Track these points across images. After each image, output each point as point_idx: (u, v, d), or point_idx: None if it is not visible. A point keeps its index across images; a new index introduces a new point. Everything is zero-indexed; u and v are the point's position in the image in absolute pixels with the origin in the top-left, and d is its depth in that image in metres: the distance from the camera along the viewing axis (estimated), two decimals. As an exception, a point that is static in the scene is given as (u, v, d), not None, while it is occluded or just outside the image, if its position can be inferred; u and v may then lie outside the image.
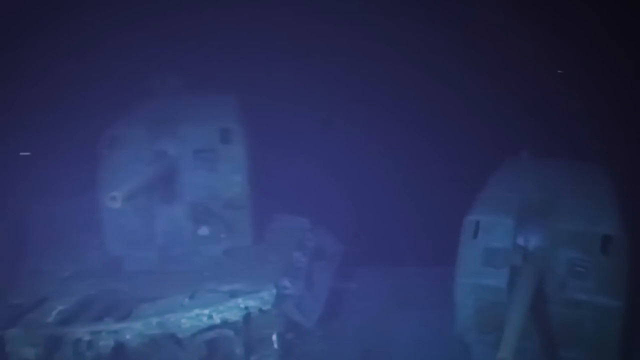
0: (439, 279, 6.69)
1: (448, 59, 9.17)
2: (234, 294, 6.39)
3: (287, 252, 7.40)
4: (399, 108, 9.66)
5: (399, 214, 9.49)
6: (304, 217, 8.40)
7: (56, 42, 9.23)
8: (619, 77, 8.71)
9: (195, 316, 6.18)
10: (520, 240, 6.29)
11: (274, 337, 6.57)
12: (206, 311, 6.19)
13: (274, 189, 8.46)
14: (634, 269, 6.06)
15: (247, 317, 6.37)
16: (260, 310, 6.39)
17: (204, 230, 7.35)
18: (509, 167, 7.53)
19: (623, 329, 5.85)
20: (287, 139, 9.39)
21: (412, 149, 9.70)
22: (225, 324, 6.27)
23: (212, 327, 6.25)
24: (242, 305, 6.30)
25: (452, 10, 8.95)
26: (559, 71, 8.77)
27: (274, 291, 6.46)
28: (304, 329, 7.00)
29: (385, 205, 9.60)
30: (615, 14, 8.42)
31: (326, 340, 7.25)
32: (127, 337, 6.00)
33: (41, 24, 9.13)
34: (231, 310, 6.27)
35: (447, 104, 9.32)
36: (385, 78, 9.52)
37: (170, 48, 9.03)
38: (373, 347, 7.06)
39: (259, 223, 7.72)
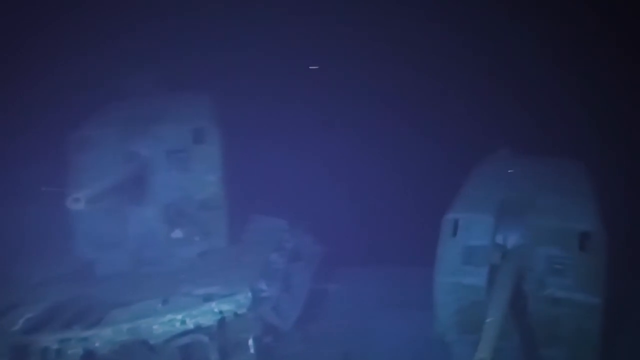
0: (421, 279, 6.60)
1: (426, 59, 9.10)
2: (208, 298, 6.22)
3: (264, 253, 7.25)
4: (378, 107, 9.58)
5: (380, 214, 9.40)
6: (283, 218, 8.26)
7: (27, 42, 9.00)
8: (596, 75, 8.72)
9: (167, 321, 6.00)
10: (499, 238, 6.24)
11: (250, 341, 6.41)
12: (179, 316, 6.02)
13: (252, 189, 8.34)
14: (612, 266, 6.05)
15: (222, 321, 6.21)
16: (236, 314, 6.23)
17: (177, 233, 7.19)
18: (488, 165, 7.50)
19: (602, 326, 5.81)
20: (265, 138, 9.25)
21: (392, 149, 9.63)
22: (199, 329, 6.10)
23: (185, 333, 6.08)
24: (216, 310, 6.13)
25: (428, 5, 8.88)
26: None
27: (250, 294, 6.31)
28: (282, 332, 6.86)
29: (366, 204, 9.50)
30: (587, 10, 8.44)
31: (305, 343, 7.12)
32: (97, 344, 5.81)
33: (12, 23, 8.88)
34: (205, 315, 6.10)
35: (426, 103, 9.25)
36: (364, 76, 9.42)
37: (144, 48, 8.83)
38: (353, 349, 6.94)
39: (235, 224, 7.56)
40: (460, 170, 7.26)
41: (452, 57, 9.01)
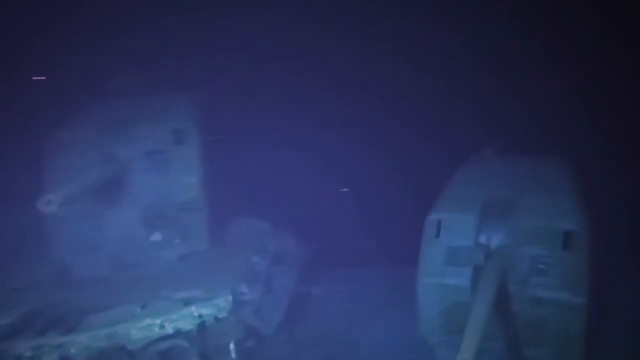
0: (405, 280, 6.54)
1: (407, 59, 9.06)
2: (188, 302, 6.10)
3: (246, 256, 7.14)
4: (362, 109, 9.52)
5: (364, 216, 9.33)
6: (266, 221, 8.15)
7: (2, 42, 8.81)
8: (578, 73, 8.73)
9: (146, 326, 5.87)
10: (483, 238, 6.19)
11: (232, 345, 6.30)
12: (158, 321, 5.89)
13: (234, 191, 8.23)
14: (596, 265, 6.03)
15: (202, 325, 6.09)
16: (216, 317, 6.11)
17: (157, 235, 7.05)
18: (471, 165, 7.47)
19: (587, 325, 5.78)
20: (248, 140, 9.14)
21: (376, 150, 9.57)
22: (178, 333, 5.98)
23: (164, 338, 5.95)
24: (196, 314, 6.01)
25: (409, 4, 8.85)
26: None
27: (230, 297, 6.19)
28: (264, 335, 6.75)
29: (350, 206, 9.43)
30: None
31: (288, 346, 7.03)
32: (73, 351, 5.65)
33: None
34: (184, 319, 5.97)
35: (409, 103, 9.21)
36: (347, 78, 9.36)
37: (123, 48, 8.70)
38: (337, 352, 6.86)
39: (216, 227, 7.45)
40: (444, 171, 7.21)
41: (433, 58, 8.97)
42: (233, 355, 6.32)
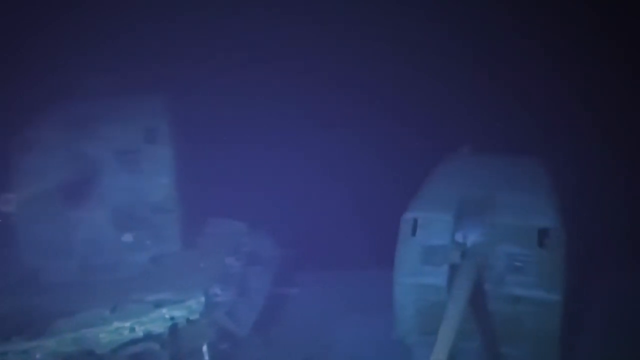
0: (384, 281, 6.47)
1: (386, 55, 9.01)
2: (159, 304, 5.96)
3: (220, 257, 7.02)
4: (339, 109, 9.44)
5: (342, 216, 9.24)
6: (241, 221, 8.02)
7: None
8: (555, 72, 8.76)
9: (115, 330, 5.74)
10: (459, 237, 6.15)
11: (205, 348, 6.17)
12: (127, 324, 5.77)
13: (208, 192, 8.09)
14: (572, 263, 6.02)
15: (174, 328, 5.98)
16: (188, 320, 6.00)
17: (128, 237, 6.88)
18: (448, 164, 7.44)
19: (563, 323, 5.76)
20: (224, 139, 9.02)
21: (352, 149, 9.49)
22: (149, 336, 5.85)
23: (135, 341, 5.82)
24: (167, 316, 5.90)
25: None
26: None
27: (203, 299, 6.08)
28: (239, 338, 6.63)
29: (328, 207, 9.33)
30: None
31: (264, 349, 6.92)
32: (38, 356, 5.50)
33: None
34: (155, 322, 5.86)
35: (387, 101, 9.15)
36: (324, 76, 9.28)
37: (96, 47, 8.52)
38: (314, 354, 6.76)
39: (190, 228, 7.30)
40: (423, 170, 7.16)
41: (415, 55, 8.93)
42: (206, 358, 6.19)
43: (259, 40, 9.11)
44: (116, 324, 5.75)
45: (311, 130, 9.45)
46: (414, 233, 6.20)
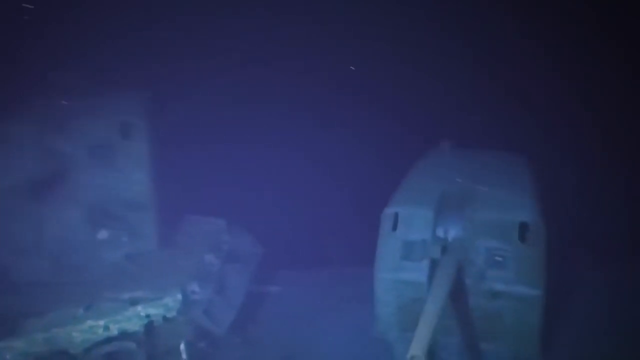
0: (363, 279, 6.42)
1: (366, 50, 8.94)
2: (134, 302, 5.83)
3: (198, 255, 6.90)
4: (318, 105, 9.36)
5: (324, 214, 9.17)
6: (221, 219, 7.90)
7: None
8: (537, 67, 8.78)
9: (88, 328, 5.60)
10: (440, 232, 6.12)
11: (182, 346, 6.03)
12: (101, 322, 5.63)
13: (187, 189, 7.96)
14: (553, 258, 6.02)
15: (150, 326, 5.85)
16: (164, 318, 5.88)
17: (102, 234, 6.72)
18: (429, 159, 7.41)
19: (543, 318, 5.75)
20: (204, 135, 8.87)
21: (333, 148, 9.42)
22: (124, 335, 5.71)
23: (109, 340, 5.68)
24: (142, 314, 5.77)
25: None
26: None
27: (180, 297, 5.96)
28: (217, 336, 6.50)
29: (309, 205, 9.24)
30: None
31: (244, 348, 6.79)
32: (8, 357, 5.33)
33: None
34: (130, 320, 5.73)
35: (367, 96, 9.09)
36: (302, 71, 9.18)
37: (70, 42, 8.31)
38: (294, 352, 6.65)
39: (167, 225, 7.17)
40: (404, 167, 7.12)
41: (397, 50, 8.89)
42: (184, 357, 6.05)
43: (239, 36, 8.99)
44: (90, 323, 5.62)
45: (293, 128, 9.36)
46: (394, 228, 6.16)
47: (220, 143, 8.96)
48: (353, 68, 8.71)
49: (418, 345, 4.56)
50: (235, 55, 8.92)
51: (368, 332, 6.38)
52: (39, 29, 7.86)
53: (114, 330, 5.67)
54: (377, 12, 8.91)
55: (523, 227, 5.87)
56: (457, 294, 5.81)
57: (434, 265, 5.83)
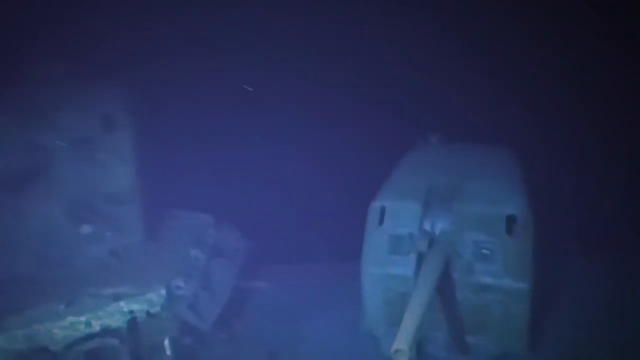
0: (351, 275, 6.36)
1: (348, 43, 8.86)
2: (117, 298, 5.72)
3: (183, 250, 6.79)
4: (304, 98, 9.27)
5: (311, 208, 9.08)
6: (207, 214, 7.80)
7: None
8: (522, 61, 8.75)
9: (69, 325, 5.48)
10: (427, 225, 6.08)
11: (167, 342, 5.93)
12: (83, 318, 5.51)
13: (172, 183, 7.85)
14: (541, 251, 5.99)
15: (133, 322, 5.74)
16: (148, 313, 5.77)
17: (85, 229, 6.59)
18: (416, 152, 7.37)
19: (530, 311, 5.72)
20: (192, 130, 8.76)
21: (322, 141, 9.34)
22: (107, 331, 5.60)
23: (91, 336, 5.56)
24: (125, 309, 5.66)
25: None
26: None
27: (164, 292, 5.86)
28: (203, 333, 6.41)
29: (296, 199, 9.15)
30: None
31: (230, 344, 6.72)
32: (-15, 355, 5.19)
33: None
34: (113, 316, 5.62)
35: (352, 90, 9.01)
36: (284, 65, 9.08)
37: (51, 32, 8.14)
38: (280, 349, 6.59)
39: (152, 220, 7.05)
40: (391, 161, 7.06)
41: (381, 42, 8.82)
42: (168, 353, 5.96)
43: (225, 29, 8.88)
44: (71, 319, 5.49)
45: (280, 122, 9.27)
46: (381, 222, 6.13)
47: (207, 137, 8.86)
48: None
49: (402, 339, 4.50)
50: (221, 48, 8.81)
51: (356, 327, 6.34)
52: (19, 19, 7.69)
53: (96, 327, 5.55)
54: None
55: (510, 220, 5.85)
56: (445, 287, 5.78)
57: (421, 259, 5.80)
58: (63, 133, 6.48)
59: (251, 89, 8.71)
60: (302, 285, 7.86)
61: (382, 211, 6.15)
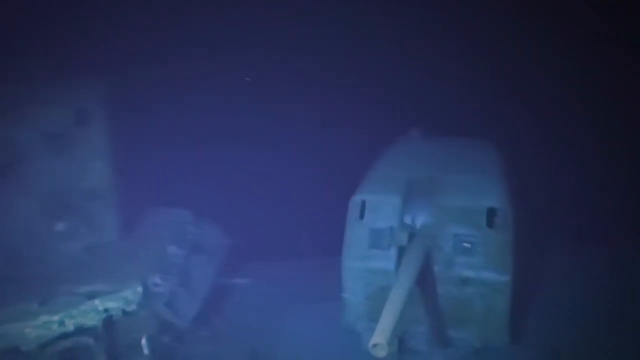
0: (336, 269, 6.28)
1: (330, 38, 8.80)
2: (91, 296, 5.58)
3: (161, 246, 6.66)
4: (287, 94, 9.19)
5: (293, 204, 9.01)
6: (186, 209, 7.67)
7: None
8: (504, 54, 8.76)
9: (42, 324, 5.32)
10: (408, 219, 6.03)
11: (144, 341, 5.81)
12: (56, 317, 5.35)
13: (150, 178, 7.71)
14: (522, 243, 5.98)
15: (108, 320, 5.60)
16: (124, 311, 5.64)
17: (60, 225, 6.43)
18: (397, 146, 7.33)
19: (512, 304, 5.71)
20: (170, 124, 8.63)
21: (304, 136, 9.27)
22: (81, 330, 5.46)
23: (65, 336, 5.41)
24: (100, 308, 5.52)
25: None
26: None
27: (140, 289, 5.73)
28: (181, 331, 6.31)
29: (278, 194, 9.07)
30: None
31: (210, 342, 6.61)
32: (-46, 356, 5.03)
33: None
34: (87, 314, 5.47)
35: (334, 85, 8.95)
36: (264, 60, 9.00)
37: (25, 26, 7.95)
38: (262, 346, 6.50)
39: (129, 216, 6.91)
40: (372, 155, 7.00)
41: (363, 37, 8.76)
42: (146, 352, 5.84)
43: (200, 24, 8.76)
44: (44, 318, 5.33)
45: (261, 118, 9.18)
46: (362, 216, 6.07)
47: (187, 132, 8.74)
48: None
49: (381, 333, 4.43)
50: (198, 43, 8.69)
51: (336, 323, 6.27)
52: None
53: (70, 326, 5.39)
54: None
55: (491, 213, 5.83)
56: (426, 281, 5.75)
57: (402, 253, 5.76)
58: (35, 126, 6.30)
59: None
60: (284, 281, 7.78)
61: (363, 205, 6.09)
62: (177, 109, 8.82)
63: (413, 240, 5.75)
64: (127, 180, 7.02)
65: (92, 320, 5.48)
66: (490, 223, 5.77)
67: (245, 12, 8.71)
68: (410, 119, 8.01)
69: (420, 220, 6.01)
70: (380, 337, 4.38)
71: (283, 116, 9.01)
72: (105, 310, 5.56)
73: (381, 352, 4.36)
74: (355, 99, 8.80)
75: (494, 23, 8.50)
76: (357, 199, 6.17)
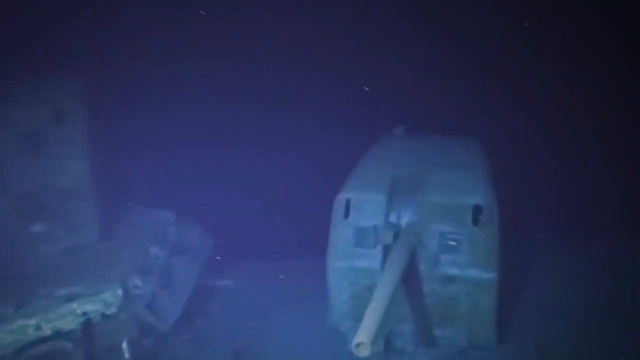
0: (316, 270, 6.23)
1: (317, 39, 8.71)
2: (69, 299, 5.42)
3: (142, 247, 6.52)
4: (270, 96, 9.08)
5: (278, 205, 8.90)
6: (168, 210, 7.53)
7: None
8: (487, 53, 8.73)
9: (18, 328, 5.16)
10: (393, 217, 5.97)
11: (125, 345, 5.67)
12: (32, 321, 5.20)
13: (132, 178, 7.58)
14: (508, 241, 5.95)
15: (87, 324, 5.45)
16: (103, 314, 5.49)
17: (37, 227, 6.26)
18: (381, 144, 7.28)
19: (497, 301, 5.68)
20: (152, 123, 8.46)
21: (289, 137, 9.16)
22: (58, 334, 5.31)
23: (42, 340, 5.26)
24: (78, 311, 5.36)
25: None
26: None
27: (120, 291, 5.58)
28: (164, 333, 6.17)
29: (263, 196, 8.96)
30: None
31: (194, 344, 6.49)
32: None
33: None
34: (65, 318, 5.32)
35: (320, 84, 8.85)
36: (249, 63, 8.87)
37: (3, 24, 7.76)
38: (245, 347, 6.39)
39: (108, 216, 6.76)
40: (356, 153, 6.94)
41: (348, 37, 8.69)
42: (127, 356, 5.69)
43: (180, 22, 8.61)
44: (20, 322, 5.18)
45: (245, 116, 9.06)
46: (346, 215, 6.02)
47: (170, 133, 8.59)
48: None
49: (364, 332, 4.35)
50: (180, 39, 8.54)
51: (321, 323, 6.19)
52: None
53: (47, 330, 5.24)
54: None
55: (476, 210, 5.79)
56: (411, 280, 5.69)
57: (387, 251, 5.69)
58: (11, 125, 6.13)
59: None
60: (268, 282, 7.68)
61: (347, 204, 6.03)
62: (159, 107, 8.66)
63: (398, 239, 5.68)
64: (107, 179, 6.88)
65: (70, 324, 5.34)
66: (475, 220, 5.73)
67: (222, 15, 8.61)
68: (395, 117, 7.95)
69: (406, 218, 5.96)
70: (363, 337, 4.30)
71: (266, 116, 8.89)
72: (84, 313, 5.41)
73: (364, 352, 4.28)
74: (338, 97, 8.71)
75: (488, 22, 8.48)
76: (341, 197, 6.10)
